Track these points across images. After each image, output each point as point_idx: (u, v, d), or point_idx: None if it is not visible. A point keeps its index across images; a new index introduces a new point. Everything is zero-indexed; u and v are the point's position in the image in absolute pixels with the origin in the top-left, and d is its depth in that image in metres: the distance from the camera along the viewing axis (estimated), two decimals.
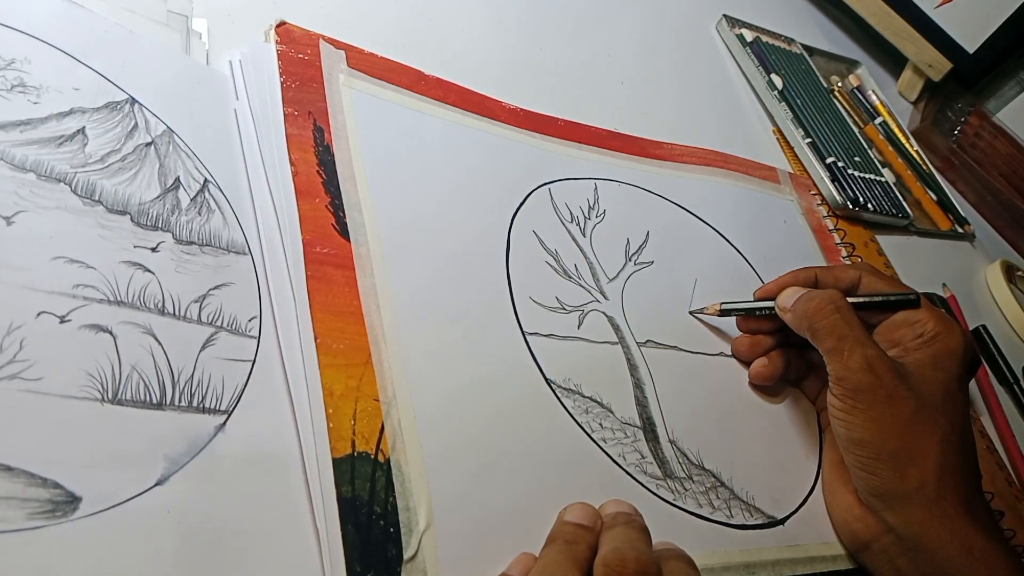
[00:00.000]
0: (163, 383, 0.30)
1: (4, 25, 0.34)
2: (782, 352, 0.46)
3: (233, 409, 0.31)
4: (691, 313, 0.48)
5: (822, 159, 0.65)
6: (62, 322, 0.29)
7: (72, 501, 0.26)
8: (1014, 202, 0.78)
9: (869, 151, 0.72)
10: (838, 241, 0.61)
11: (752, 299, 0.47)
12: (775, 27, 0.78)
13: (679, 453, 0.40)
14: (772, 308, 0.45)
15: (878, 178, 0.69)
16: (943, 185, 0.76)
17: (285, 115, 0.39)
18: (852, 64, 0.83)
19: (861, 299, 0.44)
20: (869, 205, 0.64)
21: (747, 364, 0.47)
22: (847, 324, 0.40)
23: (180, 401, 0.30)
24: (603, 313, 0.44)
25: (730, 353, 0.47)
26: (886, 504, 0.38)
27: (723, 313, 0.47)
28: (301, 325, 0.34)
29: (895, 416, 0.38)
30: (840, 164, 0.65)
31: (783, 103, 0.68)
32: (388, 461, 0.32)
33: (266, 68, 0.40)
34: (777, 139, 0.68)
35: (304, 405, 0.32)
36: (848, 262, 0.60)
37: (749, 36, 0.73)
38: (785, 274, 0.47)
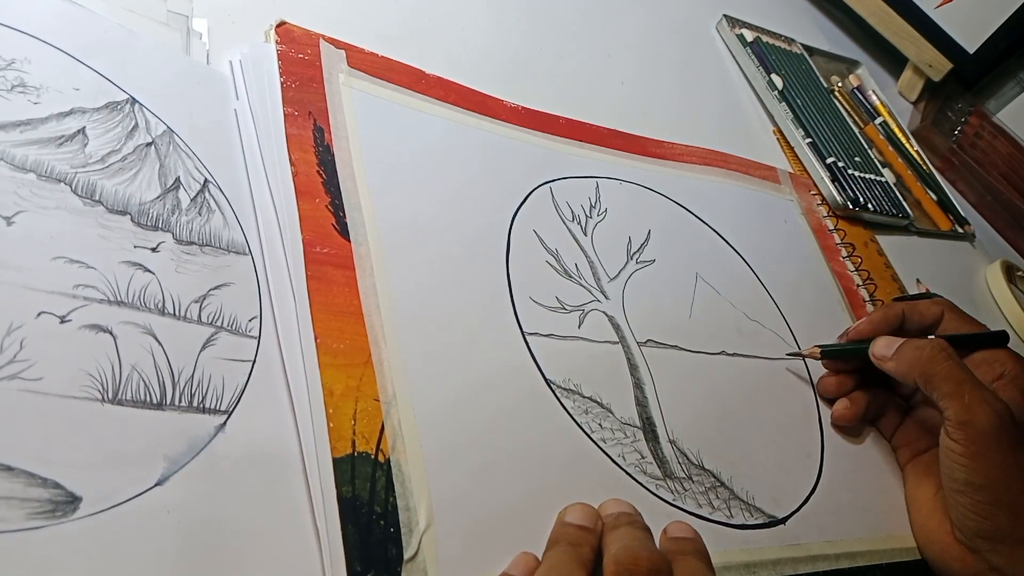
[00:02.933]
0: (163, 383, 0.30)
1: (4, 25, 0.34)
2: (864, 392, 0.48)
3: (233, 409, 0.31)
4: (788, 355, 0.49)
5: (822, 159, 0.65)
6: (62, 322, 0.29)
7: (72, 501, 0.26)
8: (1014, 202, 0.78)
9: (869, 151, 0.72)
10: (838, 241, 0.61)
11: (846, 342, 0.49)
12: (775, 27, 0.78)
13: (679, 453, 0.40)
14: (864, 351, 0.46)
15: (878, 178, 0.69)
16: (943, 185, 0.76)
17: (285, 115, 0.39)
18: (852, 64, 0.83)
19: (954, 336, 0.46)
20: (869, 205, 0.64)
21: (829, 403, 0.48)
22: (962, 370, 0.41)
23: (180, 401, 0.30)
24: (604, 313, 0.44)
25: (731, 352, 0.47)
26: (994, 547, 0.39)
27: (824, 356, 0.48)
28: (301, 325, 0.34)
29: (1018, 465, 0.39)
30: (840, 164, 0.65)
31: (783, 103, 0.68)
32: (388, 461, 0.32)
33: (266, 68, 0.40)
34: (777, 139, 0.68)
35: (304, 405, 0.32)
36: (849, 262, 0.60)
37: (749, 36, 0.73)
38: (874, 312, 0.49)
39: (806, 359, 0.49)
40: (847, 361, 0.48)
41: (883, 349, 0.45)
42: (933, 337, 0.44)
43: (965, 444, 0.40)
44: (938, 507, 0.43)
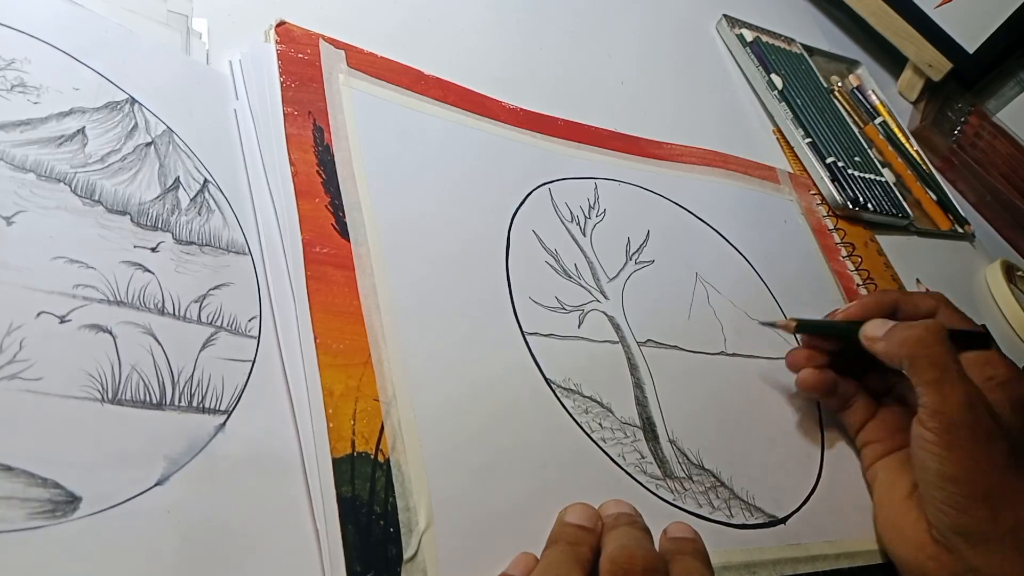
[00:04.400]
0: (163, 383, 0.30)
1: (4, 25, 0.34)
2: (834, 375, 0.46)
3: (233, 409, 0.31)
4: (762, 323, 0.48)
5: (822, 159, 0.65)
6: (62, 322, 0.29)
7: (72, 501, 0.26)
8: (1014, 202, 0.78)
9: (869, 151, 0.72)
10: (838, 241, 0.61)
11: (827, 318, 0.47)
12: (775, 27, 0.78)
13: (679, 453, 0.40)
14: (849, 331, 0.44)
15: (878, 178, 0.69)
16: (943, 185, 0.76)
17: (285, 115, 0.39)
18: (852, 64, 0.83)
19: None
20: (869, 205, 0.64)
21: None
22: (950, 358, 0.40)
23: (180, 401, 0.30)
24: (603, 313, 0.44)
25: (730, 352, 0.47)
26: (972, 544, 0.38)
27: (798, 330, 0.47)
28: (301, 325, 0.34)
29: (992, 456, 0.38)
30: (840, 164, 0.65)
31: (783, 103, 0.68)
32: (388, 461, 0.32)
33: (266, 68, 0.40)
34: (777, 139, 0.68)
35: (304, 405, 0.32)
36: (849, 262, 0.60)
37: (749, 36, 0.73)
38: (867, 296, 0.47)
39: (780, 330, 0.48)
40: (823, 339, 0.47)
41: (875, 329, 0.43)
42: (929, 320, 0.43)
43: (938, 433, 0.38)
44: (913, 505, 0.41)
